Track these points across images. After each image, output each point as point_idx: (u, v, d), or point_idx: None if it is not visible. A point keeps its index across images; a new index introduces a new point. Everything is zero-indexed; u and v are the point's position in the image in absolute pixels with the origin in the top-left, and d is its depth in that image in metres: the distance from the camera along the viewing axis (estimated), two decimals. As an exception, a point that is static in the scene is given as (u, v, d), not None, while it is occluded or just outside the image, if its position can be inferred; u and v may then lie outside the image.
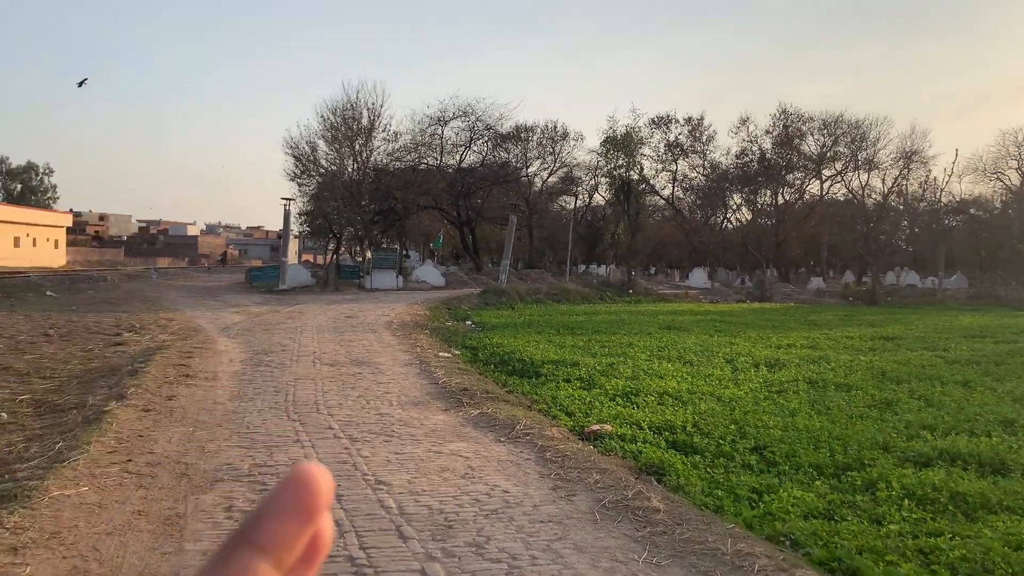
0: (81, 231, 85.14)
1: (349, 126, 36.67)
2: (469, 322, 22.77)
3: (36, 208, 68.55)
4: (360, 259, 52.20)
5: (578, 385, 10.62)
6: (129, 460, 5.76)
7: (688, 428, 7.97)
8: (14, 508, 4.58)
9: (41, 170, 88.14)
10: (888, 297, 43.27)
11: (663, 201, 59.53)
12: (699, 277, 48.66)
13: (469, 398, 8.52)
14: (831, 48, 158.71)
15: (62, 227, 63.90)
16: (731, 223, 65.38)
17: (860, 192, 55.80)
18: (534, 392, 10.02)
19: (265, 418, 7.52)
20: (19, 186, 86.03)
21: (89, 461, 5.58)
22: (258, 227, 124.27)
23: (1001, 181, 46.71)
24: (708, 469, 6.60)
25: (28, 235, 56.97)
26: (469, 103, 43.57)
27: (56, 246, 61.69)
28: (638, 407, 9.16)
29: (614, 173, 40.37)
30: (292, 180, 37.70)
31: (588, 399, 9.50)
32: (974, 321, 26.06)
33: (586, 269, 64.86)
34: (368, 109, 36.93)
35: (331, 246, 39.77)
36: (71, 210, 78.65)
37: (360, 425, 7.22)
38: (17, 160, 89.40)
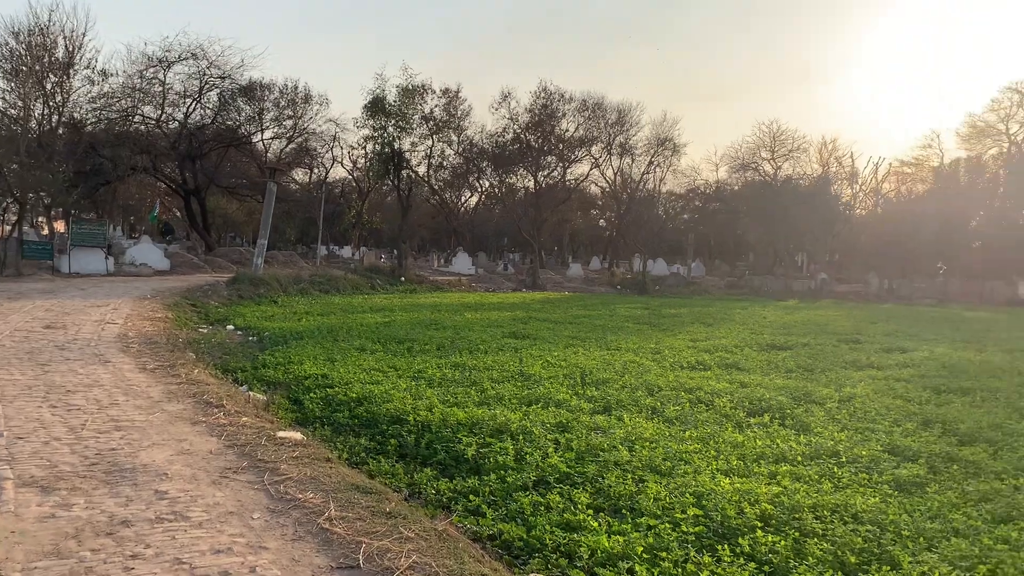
0: None
1: (38, 57, 27.34)
2: (232, 327, 16.49)
3: None
4: (46, 233, 41.43)
5: (586, 501, 5.48)
6: None
7: None
8: None
9: None
10: (656, 286, 42.24)
11: (417, 177, 54.60)
12: (464, 262, 44.61)
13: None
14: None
15: None
16: (484, 205, 62.33)
17: (614, 178, 55.20)
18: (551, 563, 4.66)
19: None
20: None
21: None
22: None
23: (757, 171, 47.63)
24: None
25: None
26: (201, 44, 35.30)
27: None
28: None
29: (381, 141, 34.64)
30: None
31: None
32: (786, 317, 24.44)
33: (329, 251, 58.33)
34: (65, 38, 27.83)
35: (10, 216, 29.96)
36: None
37: None
38: None
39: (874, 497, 5.71)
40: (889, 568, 4.45)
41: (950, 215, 44.32)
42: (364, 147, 40.30)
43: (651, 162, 53.13)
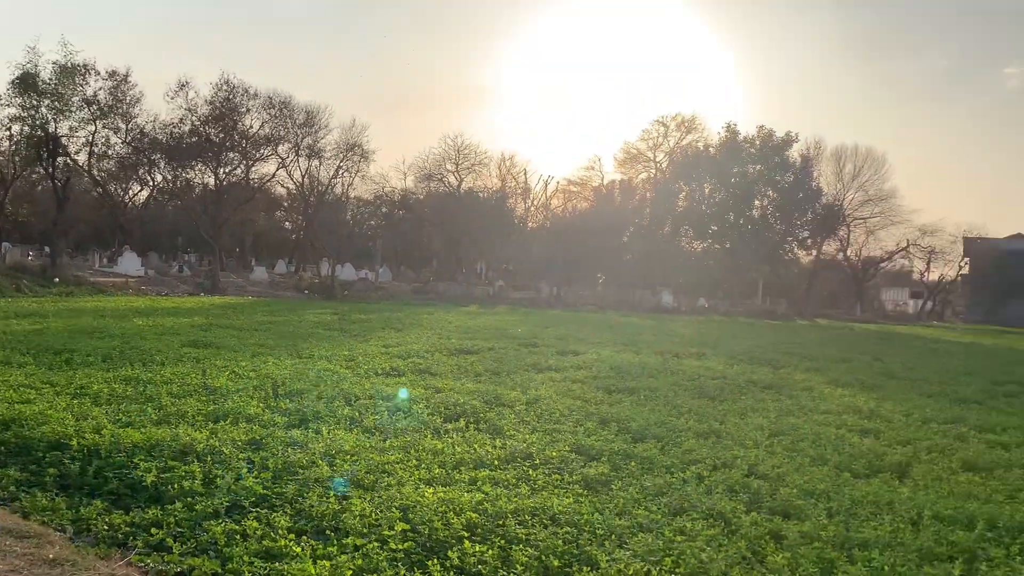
0: None
1: None
2: None
3: None
4: None
5: (287, 525, 5.12)
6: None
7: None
8: None
9: None
10: (345, 291, 41.89)
11: (76, 166, 48.67)
12: (132, 262, 40.58)
13: None
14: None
15: None
16: (156, 200, 57.34)
17: (302, 180, 53.76)
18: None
19: None
20: None
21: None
22: None
23: (442, 182, 49.20)
24: None
25: None
26: None
27: None
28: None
29: (32, 123, 30.42)
30: None
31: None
32: (469, 322, 25.53)
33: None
34: None
35: None
36: None
37: None
38: None
39: (568, 498, 6.02)
40: (589, 568, 4.69)
41: (607, 231, 49.41)
42: (9, 128, 35.09)
43: (340, 166, 52.63)
